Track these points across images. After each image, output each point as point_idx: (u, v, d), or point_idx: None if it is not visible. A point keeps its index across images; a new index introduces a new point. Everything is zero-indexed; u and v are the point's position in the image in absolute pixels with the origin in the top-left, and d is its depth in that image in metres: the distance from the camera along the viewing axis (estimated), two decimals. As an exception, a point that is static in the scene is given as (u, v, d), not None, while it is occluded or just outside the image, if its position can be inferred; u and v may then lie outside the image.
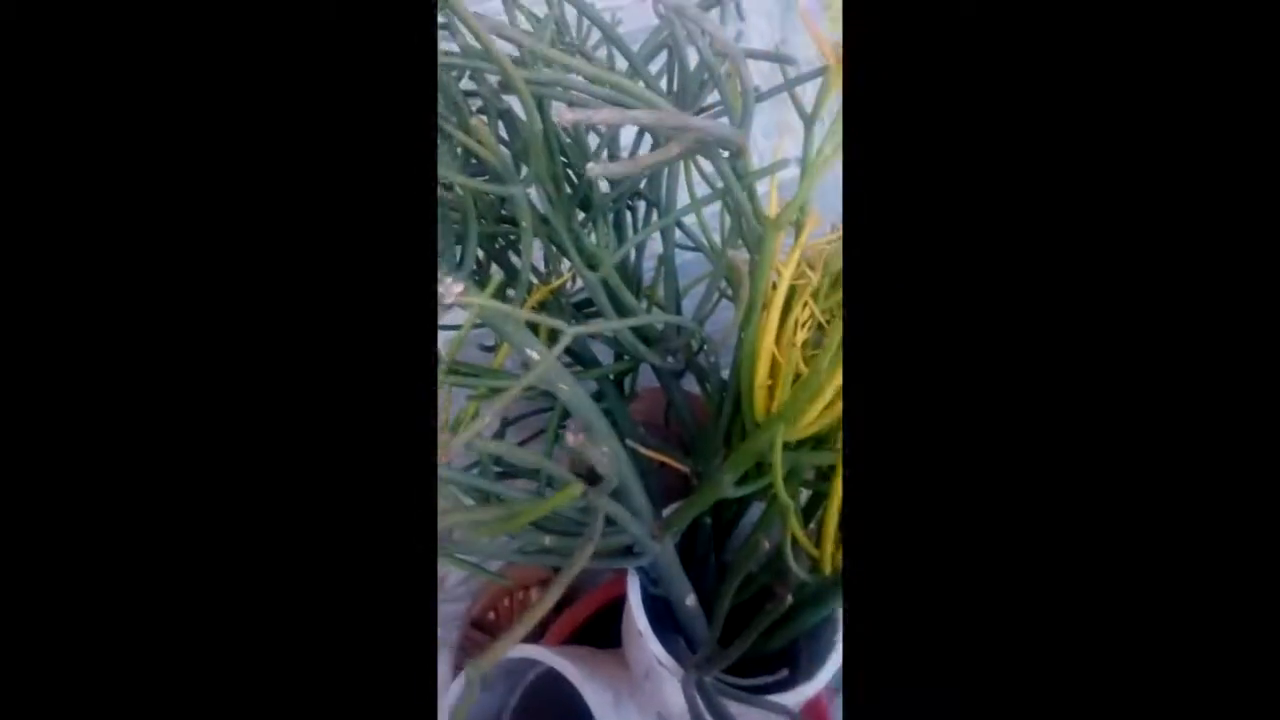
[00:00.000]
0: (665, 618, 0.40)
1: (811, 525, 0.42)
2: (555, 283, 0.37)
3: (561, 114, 0.22)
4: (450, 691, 0.41)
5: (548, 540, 0.36)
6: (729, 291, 0.43)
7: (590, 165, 0.22)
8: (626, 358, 0.43)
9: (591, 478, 0.32)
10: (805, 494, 0.42)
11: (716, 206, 0.40)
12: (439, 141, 0.28)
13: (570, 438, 0.25)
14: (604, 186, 0.38)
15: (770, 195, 0.35)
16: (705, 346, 0.42)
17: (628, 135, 0.48)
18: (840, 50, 0.23)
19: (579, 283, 0.48)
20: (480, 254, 0.41)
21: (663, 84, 0.43)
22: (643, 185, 0.43)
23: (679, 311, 0.44)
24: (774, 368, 0.34)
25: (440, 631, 0.69)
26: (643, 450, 0.37)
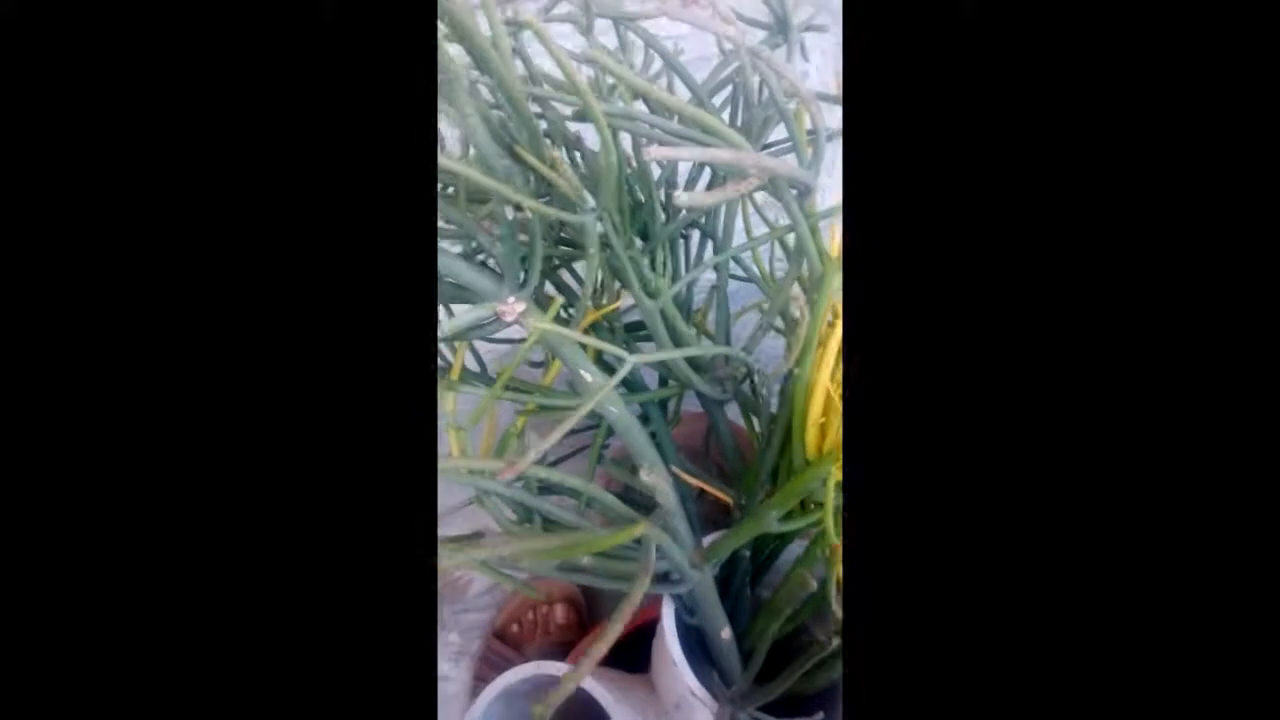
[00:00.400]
0: (698, 648, 0.40)
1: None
2: (609, 306, 0.37)
3: (650, 151, 0.22)
4: (477, 707, 0.42)
5: (585, 560, 0.36)
6: (779, 324, 0.44)
7: (678, 195, 0.22)
8: (673, 383, 0.44)
9: (635, 503, 0.32)
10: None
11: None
12: (512, 164, 0.29)
13: (645, 475, 0.25)
14: (675, 216, 0.38)
15: (831, 234, 0.36)
16: (755, 378, 0.42)
17: (684, 166, 0.48)
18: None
19: (627, 303, 0.49)
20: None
21: (725, 116, 0.44)
22: (702, 219, 0.43)
23: (727, 340, 0.44)
24: (827, 405, 0.34)
25: (461, 640, 0.69)
26: (687, 478, 0.37)
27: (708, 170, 0.45)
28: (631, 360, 0.28)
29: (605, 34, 0.41)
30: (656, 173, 0.41)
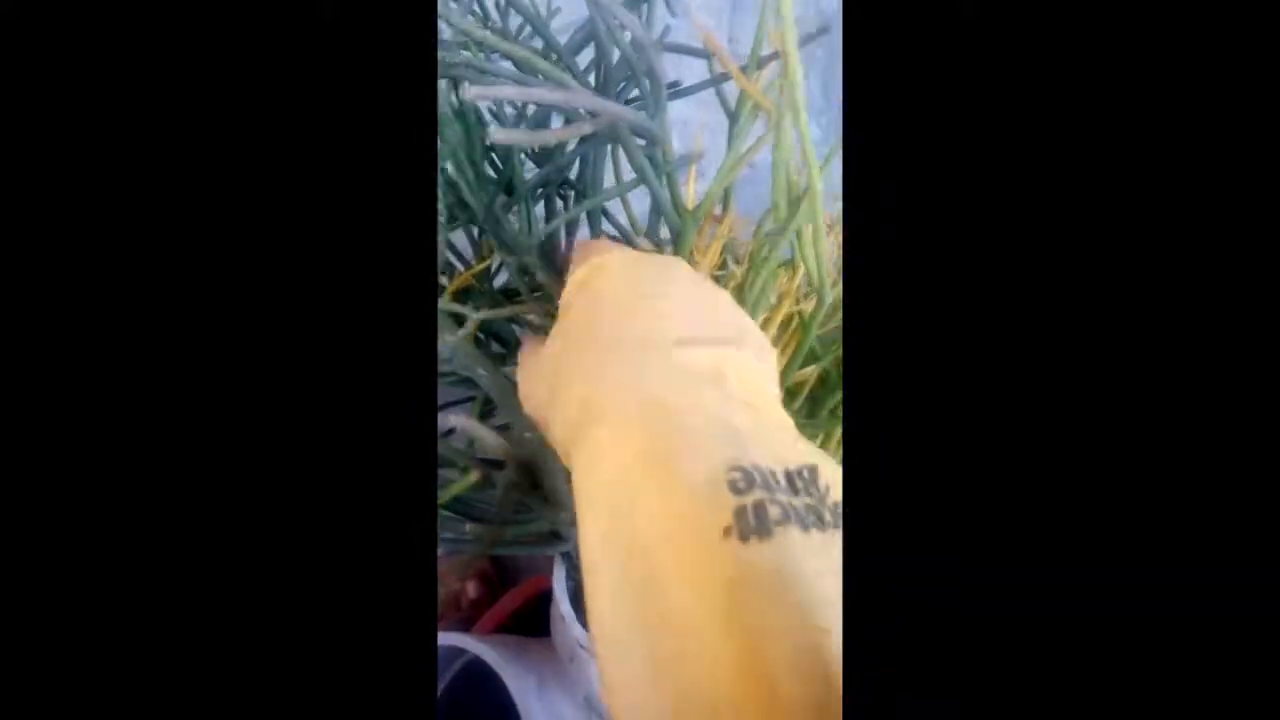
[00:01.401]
0: (590, 604, 0.40)
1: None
2: (477, 267, 0.36)
3: (466, 90, 0.22)
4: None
5: (468, 528, 0.35)
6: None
7: (493, 130, 0.22)
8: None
9: (495, 463, 0.32)
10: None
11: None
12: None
13: (452, 419, 0.25)
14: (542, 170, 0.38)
15: (689, 188, 0.36)
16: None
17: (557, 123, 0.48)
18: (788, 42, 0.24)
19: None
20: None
21: (591, 78, 0.43)
22: (572, 175, 0.43)
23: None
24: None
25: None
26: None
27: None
28: (476, 317, 0.28)
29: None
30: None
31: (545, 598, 0.51)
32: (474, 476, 0.25)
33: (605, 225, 0.44)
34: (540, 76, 0.26)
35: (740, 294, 0.39)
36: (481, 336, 0.41)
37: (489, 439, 0.26)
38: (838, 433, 0.38)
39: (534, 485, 0.34)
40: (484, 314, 0.27)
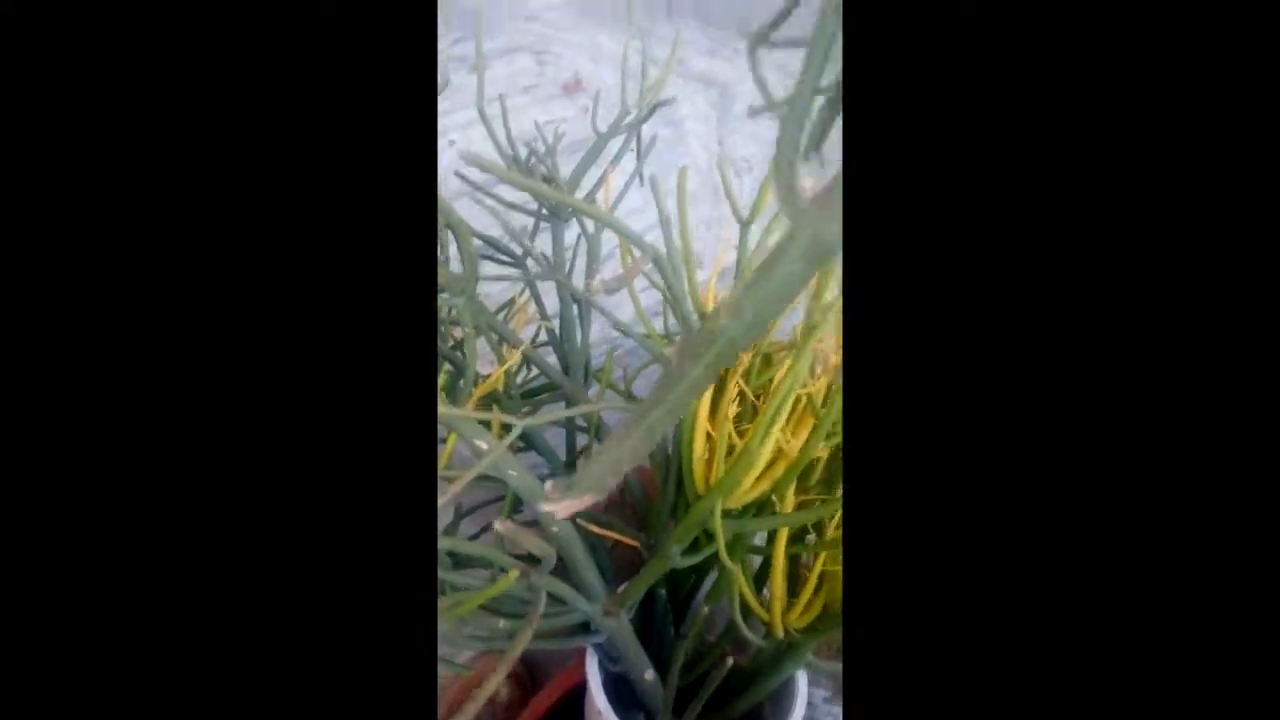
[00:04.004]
0: (626, 694, 0.40)
1: (765, 591, 0.43)
2: (499, 370, 0.39)
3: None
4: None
5: (503, 624, 0.36)
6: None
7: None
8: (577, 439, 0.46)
9: (532, 559, 0.33)
10: (756, 561, 0.44)
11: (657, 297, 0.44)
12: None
13: (499, 526, 0.27)
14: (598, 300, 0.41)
15: (709, 288, 0.39)
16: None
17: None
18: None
19: (532, 372, 0.51)
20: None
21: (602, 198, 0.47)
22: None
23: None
24: (710, 442, 0.37)
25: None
26: (592, 528, 0.39)
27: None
28: (521, 423, 0.30)
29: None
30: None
31: (578, 692, 0.51)
32: (514, 575, 0.27)
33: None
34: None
35: (749, 379, 0.41)
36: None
37: (530, 540, 0.28)
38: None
39: (565, 577, 0.35)
40: (529, 419, 0.29)
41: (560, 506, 0.28)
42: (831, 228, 0.14)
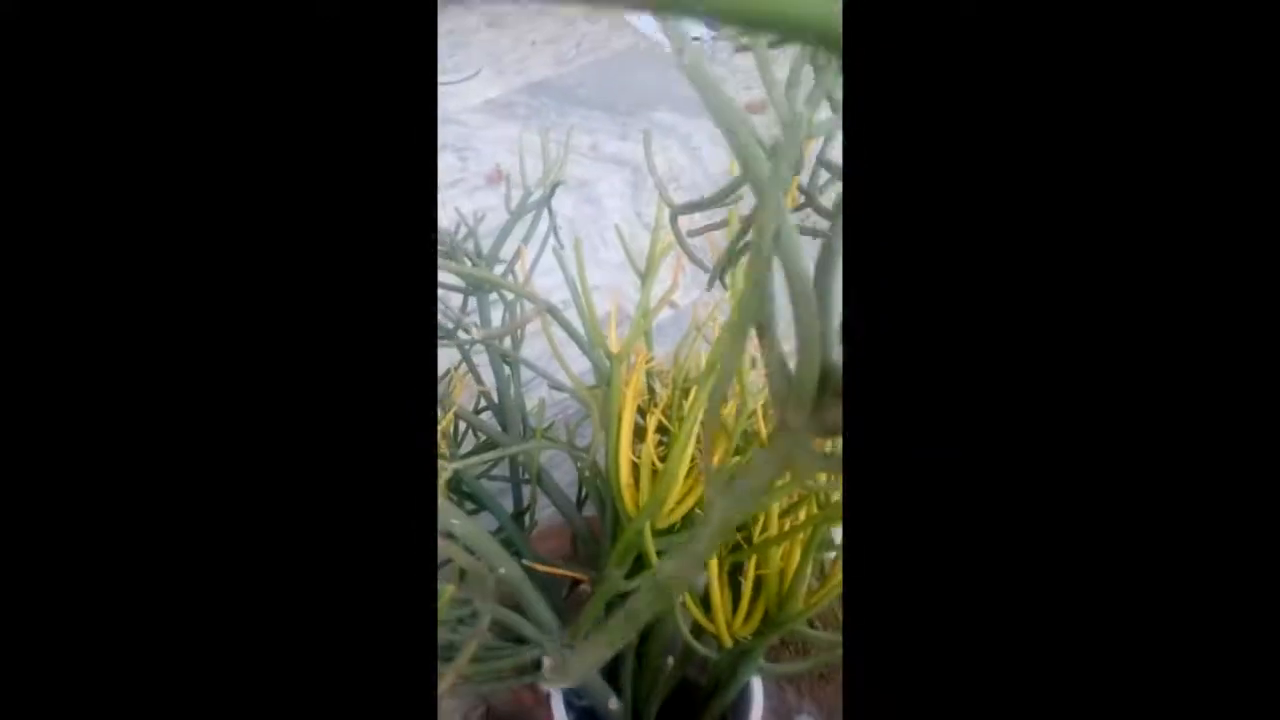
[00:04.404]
0: (594, 728, 0.42)
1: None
2: (442, 428, 0.42)
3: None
4: None
5: (467, 669, 0.38)
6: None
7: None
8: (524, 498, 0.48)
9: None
10: (701, 578, 0.47)
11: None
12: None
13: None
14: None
15: (610, 332, 0.43)
16: (591, 471, 0.48)
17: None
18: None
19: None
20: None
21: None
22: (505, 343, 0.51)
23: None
24: (634, 469, 0.40)
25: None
26: (539, 567, 0.41)
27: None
28: (451, 467, 0.34)
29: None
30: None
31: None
32: (450, 590, 0.30)
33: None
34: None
35: (671, 410, 0.45)
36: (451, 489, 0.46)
37: (484, 582, 0.31)
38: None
39: (520, 613, 0.37)
40: (459, 463, 0.32)
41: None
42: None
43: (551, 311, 0.37)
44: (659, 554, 0.38)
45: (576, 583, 0.49)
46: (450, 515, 0.38)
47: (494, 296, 0.53)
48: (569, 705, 0.41)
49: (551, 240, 0.54)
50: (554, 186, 0.53)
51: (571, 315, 0.44)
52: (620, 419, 0.40)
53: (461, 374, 0.55)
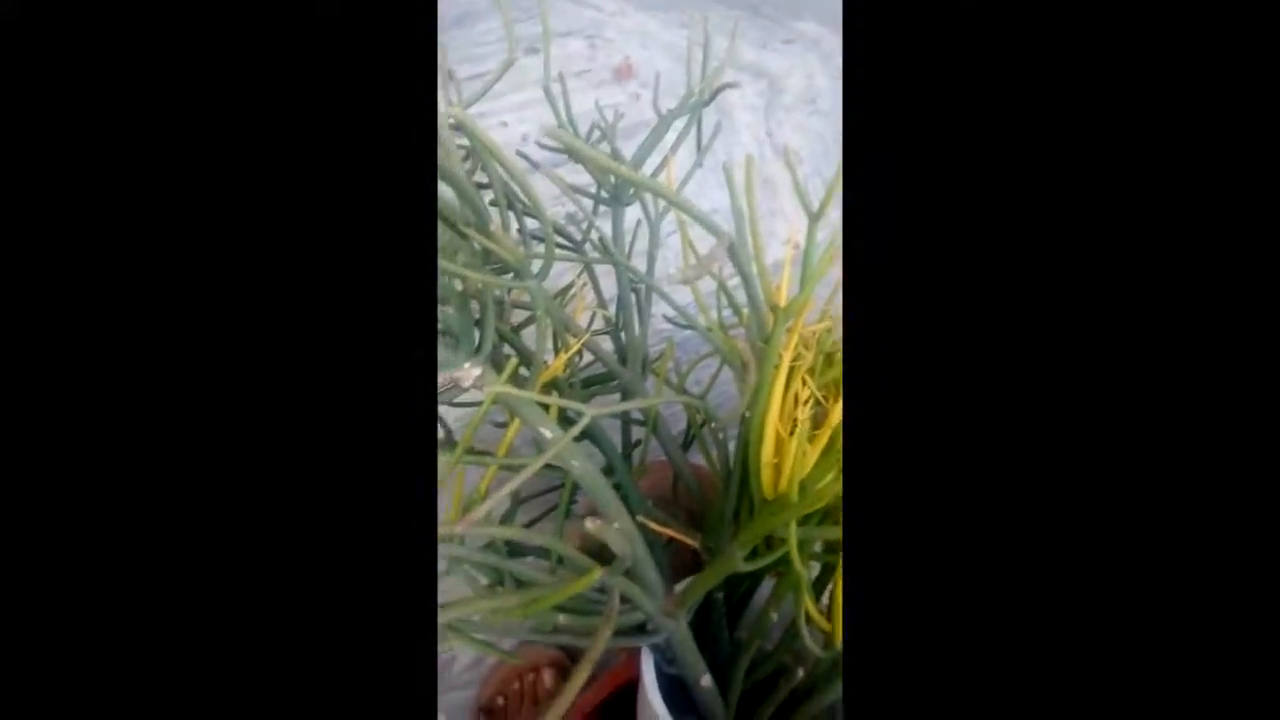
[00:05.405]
0: (680, 698, 0.39)
1: (824, 600, 0.42)
2: (562, 357, 0.38)
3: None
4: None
5: (562, 619, 0.36)
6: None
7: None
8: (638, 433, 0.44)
9: (604, 556, 0.32)
10: (816, 568, 0.42)
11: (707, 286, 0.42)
12: (458, 239, 0.30)
13: (589, 524, 0.26)
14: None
15: (782, 284, 0.37)
16: (713, 423, 0.43)
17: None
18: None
19: (584, 359, 0.50)
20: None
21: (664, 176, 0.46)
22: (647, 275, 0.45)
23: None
24: (780, 446, 0.35)
25: (447, 720, 0.67)
26: (654, 526, 0.38)
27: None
28: (590, 413, 0.29)
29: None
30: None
31: (627, 690, 0.50)
32: (596, 574, 0.26)
33: (678, 317, 0.45)
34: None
35: (813, 376, 0.39)
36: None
37: (617, 540, 0.27)
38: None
39: (626, 575, 0.34)
40: (598, 410, 0.28)
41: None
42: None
43: (730, 246, 0.31)
44: (798, 548, 0.33)
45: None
46: (571, 456, 0.34)
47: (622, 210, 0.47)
48: (660, 671, 0.38)
49: (698, 153, 0.47)
50: (716, 91, 0.46)
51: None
52: (773, 386, 0.35)
53: (583, 286, 0.51)
